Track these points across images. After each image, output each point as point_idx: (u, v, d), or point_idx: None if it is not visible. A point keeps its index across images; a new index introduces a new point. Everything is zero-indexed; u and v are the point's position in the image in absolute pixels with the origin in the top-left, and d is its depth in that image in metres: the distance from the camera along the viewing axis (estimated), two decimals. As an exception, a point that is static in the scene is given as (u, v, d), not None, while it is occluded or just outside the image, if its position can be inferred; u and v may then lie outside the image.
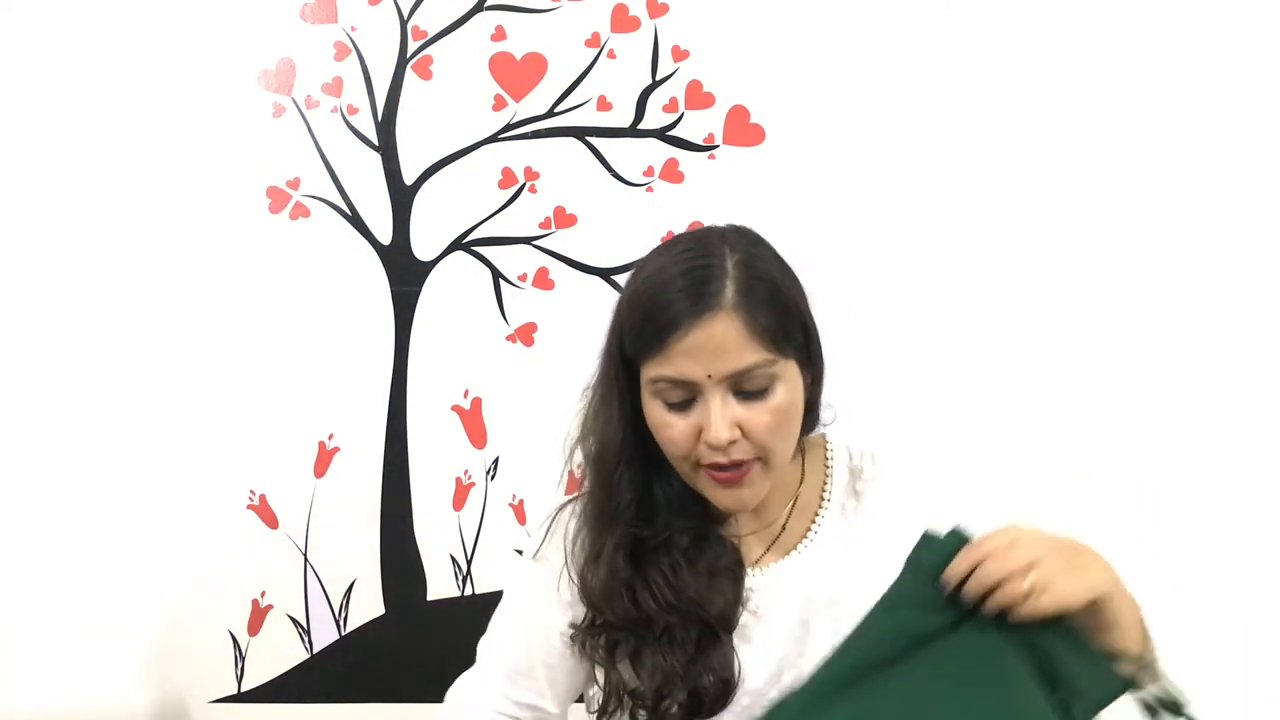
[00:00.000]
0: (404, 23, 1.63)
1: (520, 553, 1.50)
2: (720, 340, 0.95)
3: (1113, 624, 0.89)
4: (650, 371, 0.98)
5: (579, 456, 1.08)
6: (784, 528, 1.08)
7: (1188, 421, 1.58)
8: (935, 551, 0.89)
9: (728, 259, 0.98)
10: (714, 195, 1.61)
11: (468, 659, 1.11)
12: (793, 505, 1.09)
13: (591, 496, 1.05)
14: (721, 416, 0.96)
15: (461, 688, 1.11)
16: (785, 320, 0.99)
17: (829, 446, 1.12)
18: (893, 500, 1.08)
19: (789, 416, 1.00)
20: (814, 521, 1.08)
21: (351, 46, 1.63)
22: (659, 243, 1.04)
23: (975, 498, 1.10)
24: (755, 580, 1.05)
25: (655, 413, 0.99)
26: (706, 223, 1.09)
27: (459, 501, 1.64)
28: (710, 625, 1.00)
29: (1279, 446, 1.59)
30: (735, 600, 1.03)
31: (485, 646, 1.12)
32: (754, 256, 1.00)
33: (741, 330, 0.95)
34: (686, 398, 0.98)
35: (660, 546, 1.03)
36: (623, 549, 1.02)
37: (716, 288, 0.96)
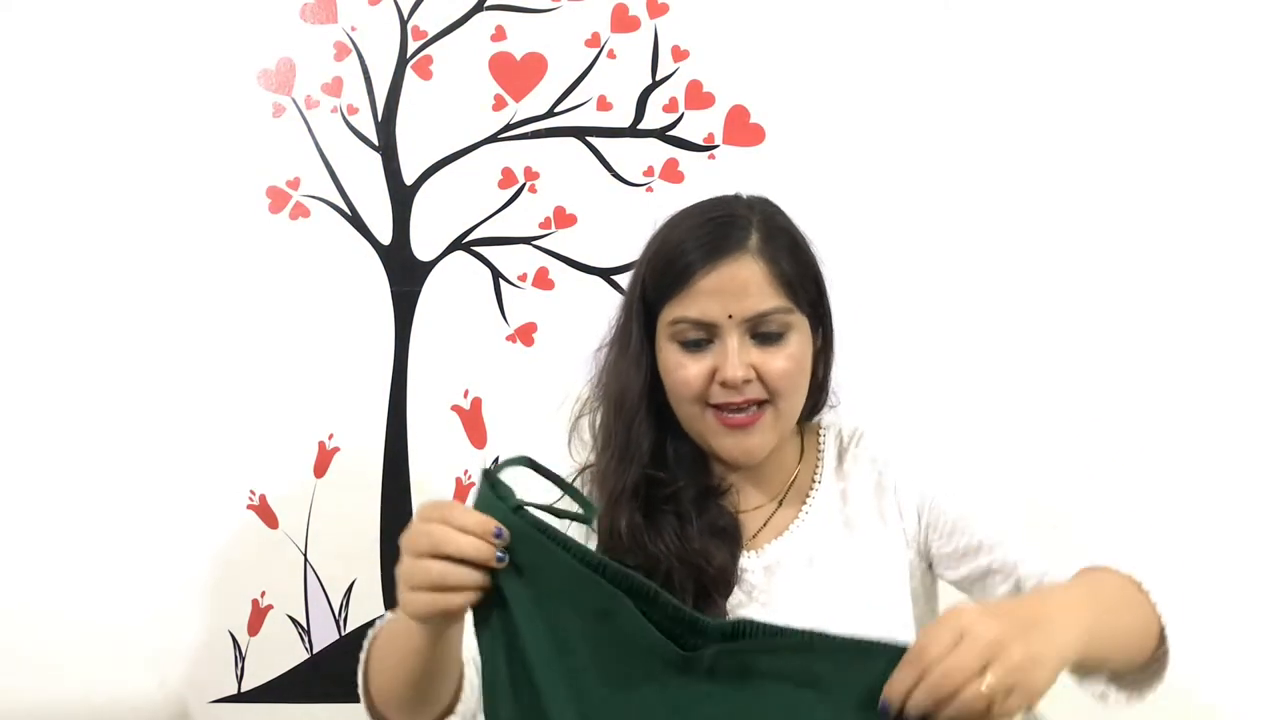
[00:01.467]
0: (404, 23, 1.63)
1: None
2: (743, 281, 0.99)
3: (1101, 663, 0.88)
4: (671, 313, 1.02)
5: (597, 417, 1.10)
6: (780, 505, 1.10)
7: (1190, 419, 1.59)
8: (867, 666, 0.74)
9: (751, 213, 1.04)
10: (714, 195, 1.61)
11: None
12: (789, 487, 1.11)
13: (614, 438, 1.07)
14: (738, 354, 0.99)
15: None
16: (803, 273, 1.04)
17: (822, 431, 1.15)
18: (872, 479, 1.10)
19: (801, 367, 1.03)
20: (805, 502, 1.10)
21: (351, 46, 1.63)
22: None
23: (959, 475, 1.11)
24: (749, 560, 1.07)
25: (671, 355, 1.03)
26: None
27: (459, 501, 1.64)
28: (705, 586, 1.02)
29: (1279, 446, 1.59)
30: (733, 562, 1.05)
31: None
32: (774, 213, 1.06)
33: (763, 274, 1.00)
34: (704, 339, 1.01)
35: (669, 497, 1.05)
36: (638, 491, 1.04)
37: (742, 235, 1.01)
